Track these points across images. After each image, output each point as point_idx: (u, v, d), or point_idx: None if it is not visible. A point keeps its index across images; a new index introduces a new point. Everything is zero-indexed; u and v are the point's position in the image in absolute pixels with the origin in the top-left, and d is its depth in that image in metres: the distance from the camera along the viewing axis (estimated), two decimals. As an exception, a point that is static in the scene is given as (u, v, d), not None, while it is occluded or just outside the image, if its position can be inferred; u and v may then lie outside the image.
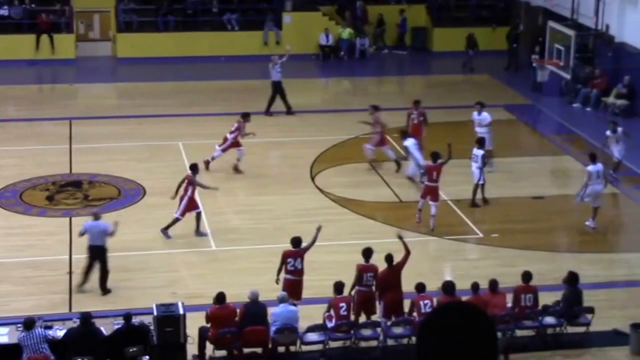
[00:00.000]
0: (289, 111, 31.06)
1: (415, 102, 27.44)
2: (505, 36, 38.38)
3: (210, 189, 22.51)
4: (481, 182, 23.78)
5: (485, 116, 25.99)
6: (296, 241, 18.29)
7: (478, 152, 23.79)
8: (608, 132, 25.39)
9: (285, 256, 18.09)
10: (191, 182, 21.85)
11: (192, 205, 21.85)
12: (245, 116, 26.14)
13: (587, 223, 22.66)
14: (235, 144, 25.79)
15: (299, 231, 21.43)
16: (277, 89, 31.06)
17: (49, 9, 38.68)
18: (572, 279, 17.88)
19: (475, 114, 26.21)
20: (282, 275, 18.11)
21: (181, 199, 21.76)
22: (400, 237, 18.35)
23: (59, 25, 38.69)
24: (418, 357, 3.24)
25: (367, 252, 17.94)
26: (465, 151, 26.10)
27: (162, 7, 39.78)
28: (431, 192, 22.45)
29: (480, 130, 25.71)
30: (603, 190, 22.77)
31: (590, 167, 22.39)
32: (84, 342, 15.76)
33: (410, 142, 25.04)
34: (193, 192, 21.83)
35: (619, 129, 25.36)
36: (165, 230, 21.82)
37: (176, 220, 21.79)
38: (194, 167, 22.25)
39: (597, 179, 22.30)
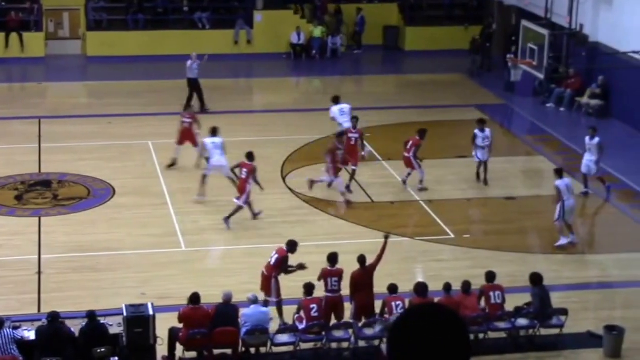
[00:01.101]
0: (203, 109, 30.81)
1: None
2: (479, 33, 38.44)
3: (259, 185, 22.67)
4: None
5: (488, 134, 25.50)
6: (333, 258, 17.88)
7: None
8: (587, 139, 24.92)
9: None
10: (252, 171, 22.29)
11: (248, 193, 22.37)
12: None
13: (565, 242, 21.92)
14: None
15: (269, 232, 21.48)
16: (194, 86, 31.01)
17: (18, 7, 38.43)
18: (538, 279, 17.92)
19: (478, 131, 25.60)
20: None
21: (242, 189, 22.26)
22: (387, 238, 18.28)
23: (28, 24, 38.44)
24: (390, 358, 3.22)
25: (333, 257, 17.84)
26: (435, 152, 26.22)
27: (133, 5, 39.61)
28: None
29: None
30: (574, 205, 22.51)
31: (558, 182, 21.84)
32: (52, 341, 15.66)
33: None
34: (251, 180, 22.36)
35: (596, 139, 24.49)
36: (227, 219, 22.22)
37: (239, 208, 22.32)
38: (250, 155, 22.50)
39: (568, 193, 21.85)
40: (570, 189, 21.86)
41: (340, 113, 26.80)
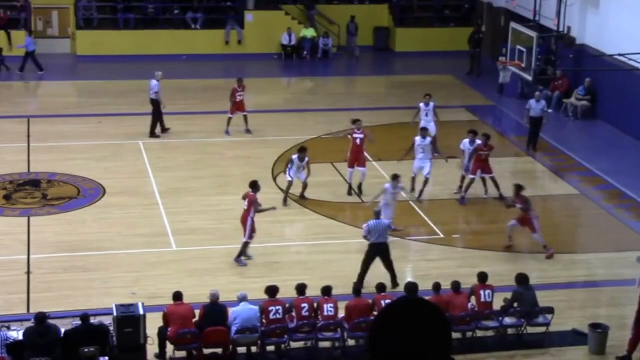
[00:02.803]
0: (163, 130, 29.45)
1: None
2: (467, 39, 38.58)
3: (268, 210, 21.16)
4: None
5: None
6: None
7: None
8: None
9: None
10: (252, 202, 20.67)
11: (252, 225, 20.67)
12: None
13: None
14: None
15: (259, 231, 21.52)
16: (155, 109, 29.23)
17: (7, 4, 38.43)
18: (523, 280, 18.13)
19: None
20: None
21: (244, 221, 20.58)
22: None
23: (17, 22, 38.45)
24: (370, 349, 3.34)
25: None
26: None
27: (122, 4, 39.64)
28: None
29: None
30: None
31: None
32: (40, 342, 15.73)
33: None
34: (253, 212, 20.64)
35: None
36: (238, 258, 20.69)
37: (246, 244, 20.70)
38: (254, 185, 20.92)
39: None
40: None
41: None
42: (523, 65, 29.31)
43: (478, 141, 24.66)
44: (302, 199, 24.10)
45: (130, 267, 20.55)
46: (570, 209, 24.57)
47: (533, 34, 29.25)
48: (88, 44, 38.55)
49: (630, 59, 27.60)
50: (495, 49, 36.33)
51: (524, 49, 29.27)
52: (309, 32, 40.04)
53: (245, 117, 29.05)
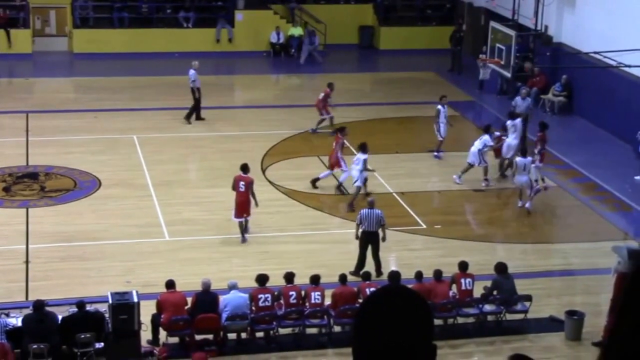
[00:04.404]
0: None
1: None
2: (449, 37, 38.56)
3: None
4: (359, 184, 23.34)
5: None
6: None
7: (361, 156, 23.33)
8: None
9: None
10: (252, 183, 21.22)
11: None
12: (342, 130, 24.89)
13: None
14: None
15: (250, 222, 21.50)
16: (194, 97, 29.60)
17: (6, 4, 38.26)
18: (502, 268, 18.16)
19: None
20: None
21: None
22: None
23: (16, 21, 38.29)
24: (355, 336, 3.32)
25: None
26: (412, 146, 26.40)
27: (118, 3, 39.51)
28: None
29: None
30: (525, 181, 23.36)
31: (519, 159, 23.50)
32: (38, 328, 15.69)
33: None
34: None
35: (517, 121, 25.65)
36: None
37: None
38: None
39: (522, 170, 23.19)
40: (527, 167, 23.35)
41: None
42: (502, 62, 29.36)
43: (497, 133, 25.43)
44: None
45: (125, 256, 20.50)
46: (548, 201, 24.59)
47: (512, 32, 29.30)
48: (84, 42, 38.40)
49: (605, 57, 27.68)
50: (475, 47, 36.34)
51: (503, 47, 29.31)
52: (297, 31, 39.98)
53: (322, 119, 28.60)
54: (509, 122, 25.65)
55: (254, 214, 21.36)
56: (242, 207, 21.06)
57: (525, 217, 23.19)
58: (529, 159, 23.49)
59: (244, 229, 21.28)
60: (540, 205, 23.92)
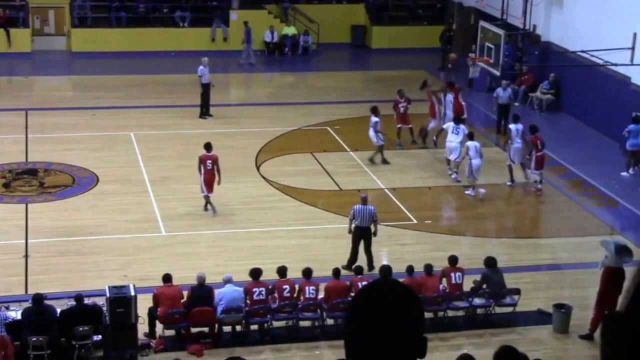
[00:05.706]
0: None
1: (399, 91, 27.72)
2: (439, 37, 38.56)
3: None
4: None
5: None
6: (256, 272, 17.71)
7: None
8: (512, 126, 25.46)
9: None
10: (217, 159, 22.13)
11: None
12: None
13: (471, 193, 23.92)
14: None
15: (243, 217, 21.54)
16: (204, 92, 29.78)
17: (6, 4, 38.17)
18: (491, 262, 18.15)
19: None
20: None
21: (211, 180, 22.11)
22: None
23: (16, 20, 38.19)
24: (347, 329, 3.30)
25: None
26: (403, 142, 26.38)
27: (116, 3, 39.43)
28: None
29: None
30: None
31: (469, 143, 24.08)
32: (37, 321, 15.66)
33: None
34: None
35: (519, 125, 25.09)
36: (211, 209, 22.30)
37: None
38: (209, 146, 22.46)
39: (476, 154, 23.76)
40: (478, 150, 23.78)
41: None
42: (491, 61, 29.36)
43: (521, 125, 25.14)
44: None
45: (122, 251, 20.47)
46: (536, 196, 24.60)
47: (501, 32, 29.30)
48: (83, 41, 38.33)
49: (592, 56, 27.72)
50: (465, 46, 36.32)
51: (492, 46, 29.32)
52: (290, 30, 39.97)
53: (411, 129, 27.59)
54: (512, 126, 25.14)
55: (246, 207, 21.32)
56: (211, 184, 21.94)
57: (517, 212, 23.18)
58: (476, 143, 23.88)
59: (209, 203, 22.16)
60: (529, 201, 23.91)
